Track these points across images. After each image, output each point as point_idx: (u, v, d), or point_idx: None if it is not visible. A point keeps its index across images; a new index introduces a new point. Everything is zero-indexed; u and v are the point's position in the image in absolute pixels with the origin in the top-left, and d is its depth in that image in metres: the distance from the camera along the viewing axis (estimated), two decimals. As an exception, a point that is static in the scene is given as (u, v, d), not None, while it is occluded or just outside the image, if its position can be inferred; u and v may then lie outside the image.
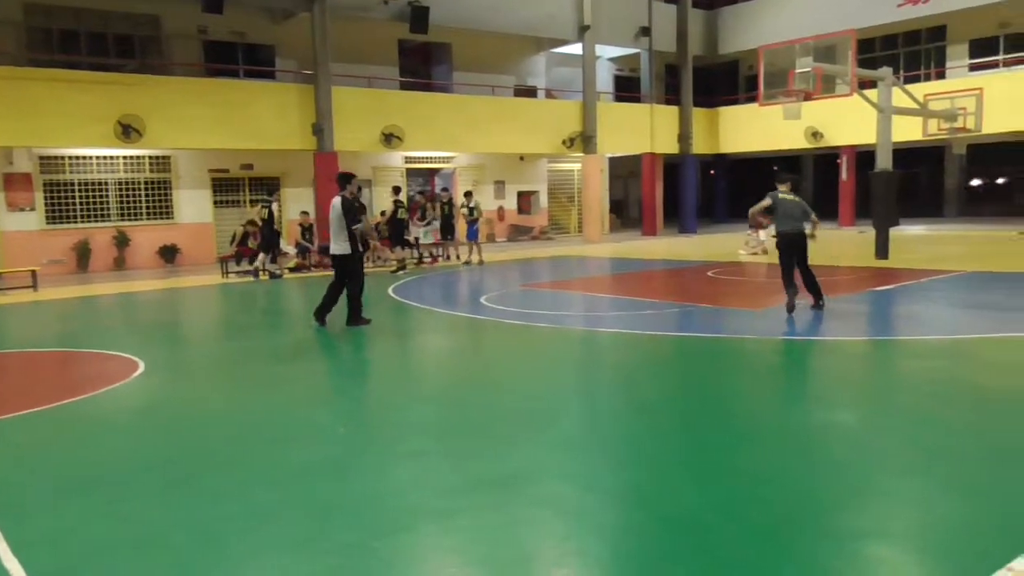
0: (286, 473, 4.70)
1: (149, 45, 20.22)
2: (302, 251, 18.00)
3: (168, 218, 19.91)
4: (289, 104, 19.67)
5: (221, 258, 17.51)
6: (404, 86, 23.43)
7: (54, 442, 5.52)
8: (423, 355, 8.88)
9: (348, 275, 9.69)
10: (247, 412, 6.23)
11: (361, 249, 9.80)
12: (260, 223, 16.64)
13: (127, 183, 19.35)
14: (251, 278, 16.31)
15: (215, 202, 20.58)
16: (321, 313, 9.84)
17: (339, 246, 9.56)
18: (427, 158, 24.21)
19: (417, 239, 18.64)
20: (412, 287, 14.30)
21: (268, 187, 19.70)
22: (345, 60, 21.25)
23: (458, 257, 19.05)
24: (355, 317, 9.77)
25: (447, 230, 18.69)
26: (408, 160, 23.89)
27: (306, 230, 18.03)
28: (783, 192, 9.89)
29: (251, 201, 21.01)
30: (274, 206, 16.86)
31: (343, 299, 9.85)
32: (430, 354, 8.92)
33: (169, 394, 6.96)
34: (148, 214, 19.65)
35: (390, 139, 21.04)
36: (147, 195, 19.65)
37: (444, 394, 6.75)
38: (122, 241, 18.97)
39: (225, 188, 20.79)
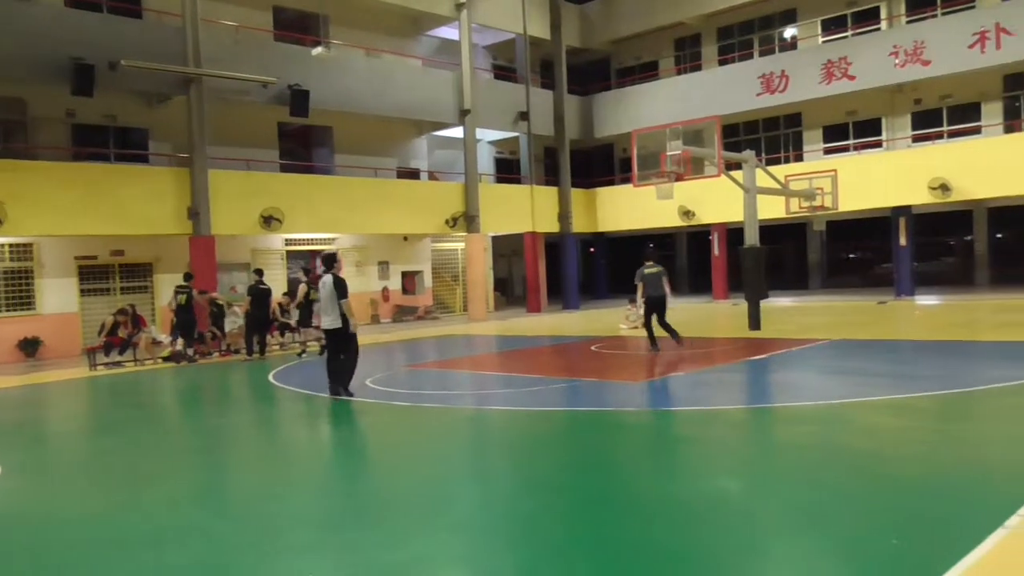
0: (155, 577, 4.38)
1: (13, 129, 19.32)
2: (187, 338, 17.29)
3: (29, 309, 18.72)
4: (163, 188, 19.11)
5: (88, 349, 16.56)
6: (284, 168, 23.20)
7: None
8: (306, 443, 8.56)
9: (342, 347, 10.33)
10: (114, 514, 5.78)
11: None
12: (176, 308, 16.27)
13: (-17, 272, 18.18)
14: (173, 363, 16.08)
15: (82, 291, 19.53)
16: (335, 387, 10.38)
17: (331, 320, 10.24)
18: (308, 240, 23.89)
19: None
20: (292, 372, 13.88)
21: (186, 272, 18.48)
22: (223, 143, 20.90)
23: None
24: (341, 385, 10.33)
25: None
26: (289, 242, 23.50)
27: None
28: (648, 267, 13.61)
29: (122, 289, 20.11)
30: (193, 292, 16.30)
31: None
32: (314, 442, 8.61)
33: (26, 500, 6.41)
34: (7, 305, 18.43)
35: (270, 221, 20.69)
36: (6, 285, 18.47)
37: (330, 483, 6.50)
38: (-24, 334, 17.70)
39: (93, 276, 19.79)
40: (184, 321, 16.34)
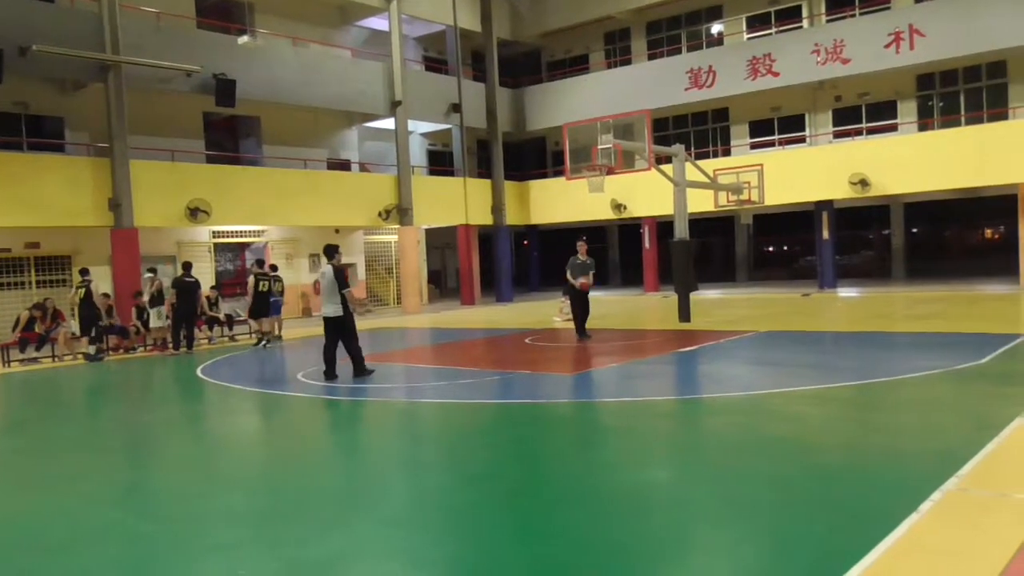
0: (74, 582, 4.23)
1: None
2: (119, 332, 16.71)
3: (-63, 303, 17.89)
4: (81, 179, 18.42)
5: (2, 346, 15.88)
6: (211, 159, 22.59)
7: None
8: (233, 439, 8.37)
9: (343, 333, 10.78)
10: (24, 516, 5.54)
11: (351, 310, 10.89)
12: (78, 303, 15.55)
13: None
14: (85, 361, 15.35)
15: (-6, 284, 18.76)
16: (329, 373, 10.84)
17: (331, 309, 10.74)
18: (237, 232, 23.37)
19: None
20: (222, 366, 13.58)
21: (82, 268, 17.51)
22: (145, 132, 20.26)
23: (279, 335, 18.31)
24: (359, 369, 10.85)
25: (271, 306, 17.87)
26: (216, 235, 22.95)
27: (140, 311, 16.88)
28: (580, 256, 14.29)
29: (38, 282, 19.36)
30: (92, 285, 15.66)
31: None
32: (241, 437, 8.43)
33: (-68, 502, 6.11)
34: (-87, 299, 17.57)
35: (196, 213, 20.15)
36: (-88, 278, 17.60)
37: (256, 479, 6.37)
38: None
39: (7, 269, 19.01)
40: (84, 316, 15.58)
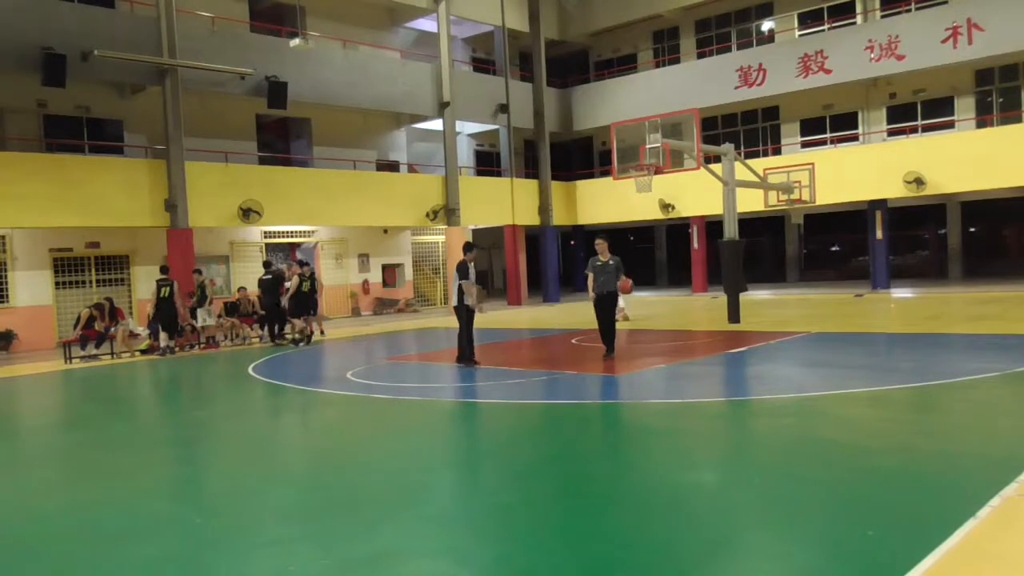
0: (128, 574, 4.35)
1: (-18, 119, 19.03)
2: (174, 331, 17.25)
3: (2, 302, 18.48)
4: (139, 180, 18.90)
5: (64, 343, 16.38)
6: (263, 160, 23.02)
7: None
8: (284, 436, 8.53)
9: (461, 321, 11.83)
10: (86, 507, 5.72)
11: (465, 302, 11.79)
12: (159, 301, 16.27)
13: (-45, 265, 17.91)
14: (157, 356, 16.16)
15: (57, 283, 19.30)
16: (466, 358, 11.94)
17: (455, 299, 11.84)
18: (288, 232, 23.75)
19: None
20: (274, 364, 13.82)
21: (163, 265, 17.76)
22: (199, 134, 20.72)
23: (322, 332, 18.64)
24: (467, 356, 11.91)
25: (311, 305, 18.20)
26: (268, 235, 23.35)
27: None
28: (601, 259, 11.98)
29: (98, 281, 19.90)
30: (176, 285, 16.29)
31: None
32: (292, 434, 8.58)
33: None
34: (-21, 298, 18.20)
35: (248, 214, 20.53)
36: (-22, 277, 18.23)
37: (307, 476, 6.48)
38: (-52, 328, 17.44)
39: (68, 268, 19.57)
40: (167, 315, 16.28)
